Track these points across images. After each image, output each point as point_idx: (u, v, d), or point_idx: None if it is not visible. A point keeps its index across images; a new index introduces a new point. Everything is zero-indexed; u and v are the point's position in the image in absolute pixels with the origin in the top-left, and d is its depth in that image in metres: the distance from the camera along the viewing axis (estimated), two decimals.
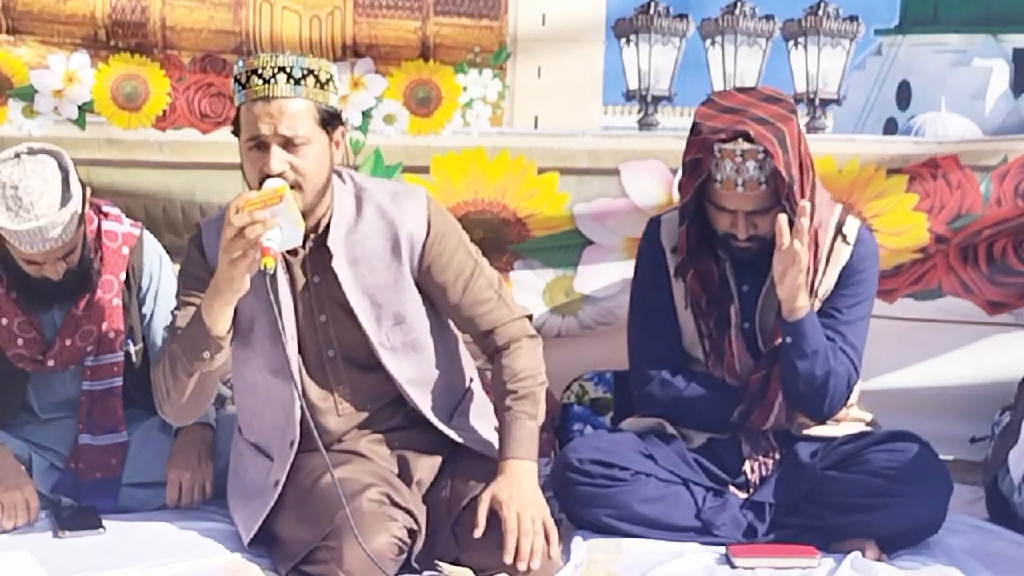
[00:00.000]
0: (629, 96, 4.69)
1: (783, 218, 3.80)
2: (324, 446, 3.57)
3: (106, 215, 4.16)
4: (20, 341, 4.07)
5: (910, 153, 4.67)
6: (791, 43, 4.66)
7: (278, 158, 3.53)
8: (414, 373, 3.79)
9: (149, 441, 4.17)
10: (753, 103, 3.92)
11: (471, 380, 4.00)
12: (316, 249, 3.71)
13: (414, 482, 3.75)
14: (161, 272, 4.23)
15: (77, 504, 4.02)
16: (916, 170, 4.67)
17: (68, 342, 4.10)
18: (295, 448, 3.73)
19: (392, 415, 3.82)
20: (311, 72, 3.58)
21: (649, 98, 4.68)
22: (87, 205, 3.99)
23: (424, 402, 3.80)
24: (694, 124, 3.93)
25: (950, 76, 4.68)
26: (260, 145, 3.55)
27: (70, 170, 3.91)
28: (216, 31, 4.60)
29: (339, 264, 3.69)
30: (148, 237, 4.24)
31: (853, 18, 4.65)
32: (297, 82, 3.55)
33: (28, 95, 4.57)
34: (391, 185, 3.96)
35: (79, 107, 4.59)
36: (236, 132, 3.65)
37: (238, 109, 3.60)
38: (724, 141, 3.81)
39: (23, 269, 3.98)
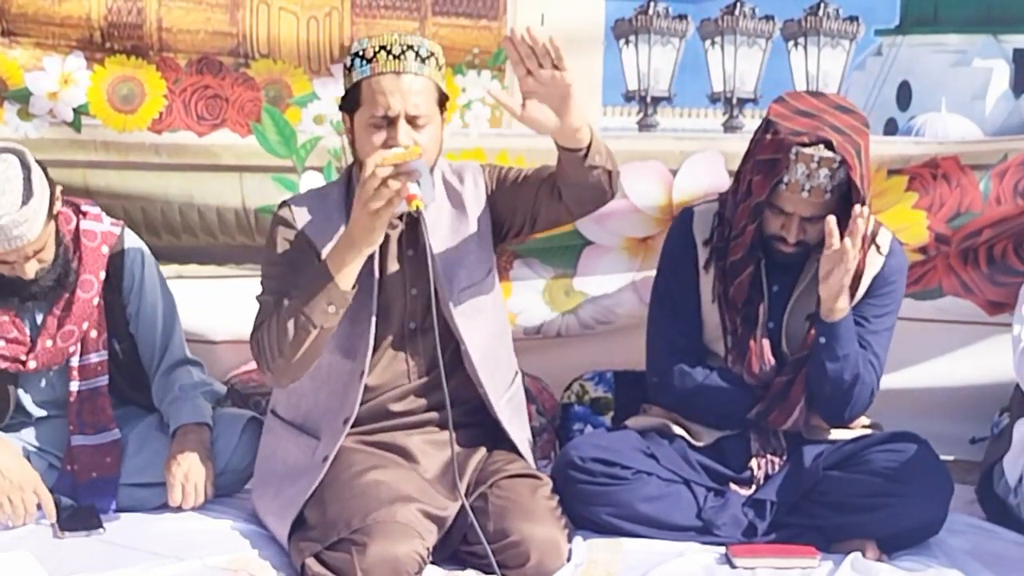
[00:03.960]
0: (628, 97, 4.70)
1: (832, 219, 3.79)
2: (382, 423, 3.85)
3: (85, 214, 4.15)
4: (1, 342, 4.06)
5: (910, 153, 4.68)
6: (791, 43, 4.66)
7: (405, 132, 3.65)
8: (480, 341, 3.87)
9: (147, 440, 4.16)
10: (827, 110, 3.91)
11: (517, 373, 4.11)
12: (411, 223, 3.78)
13: (461, 483, 3.77)
14: (144, 270, 4.23)
15: (77, 504, 4.01)
16: (916, 171, 4.68)
17: (49, 343, 4.09)
18: (348, 426, 3.79)
19: (452, 398, 3.83)
20: (432, 54, 3.73)
21: (648, 99, 4.69)
22: (56, 203, 3.98)
23: (484, 372, 3.88)
24: (769, 122, 3.90)
25: (950, 76, 4.68)
26: (388, 120, 3.66)
27: (33, 168, 3.90)
28: (213, 32, 4.59)
29: (431, 234, 3.75)
30: (129, 235, 4.24)
31: (853, 18, 4.66)
32: (423, 61, 3.70)
33: (24, 97, 4.55)
34: (448, 161, 4.03)
35: (74, 109, 4.56)
36: (346, 107, 3.77)
37: (356, 84, 3.70)
38: (804, 145, 3.80)
39: None
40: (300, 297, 3.60)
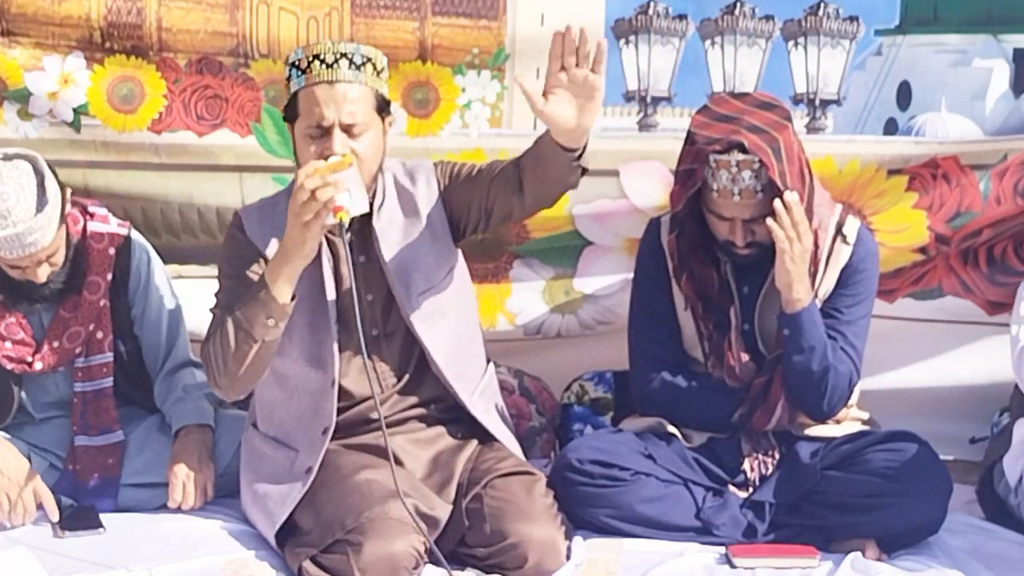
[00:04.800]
0: (628, 97, 4.69)
1: (771, 222, 3.79)
2: (360, 429, 3.84)
3: (92, 215, 4.17)
4: (8, 344, 4.06)
5: (911, 153, 4.68)
6: (791, 43, 4.66)
7: (340, 141, 3.63)
8: (444, 342, 3.87)
9: (149, 441, 4.17)
10: (748, 110, 3.91)
11: (489, 362, 4.11)
12: (362, 229, 3.78)
13: (450, 484, 3.78)
14: (150, 271, 4.24)
15: (77, 504, 4.02)
16: (916, 171, 4.68)
17: (56, 344, 4.10)
18: (328, 436, 3.78)
19: (428, 398, 3.90)
20: (369, 60, 3.71)
21: (648, 99, 4.68)
22: (67, 206, 3.99)
23: (451, 373, 3.88)
24: (689, 133, 3.92)
25: (950, 76, 4.68)
26: (323, 130, 3.65)
27: (46, 174, 3.90)
28: (212, 32, 4.59)
29: (381, 240, 3.78)
30: (135, 236, 4.24)
31: (853, 18, 4.66)
32: (358, 68, 3.68)
33: (23, 97, 4.55)
34: (401, 162, 4.00)
35: (74, 109, 4.56)
36: (288, 118, 3.77)
37: (295, 94, 3.71)
38: (719, 152, 3.81)
39: (7, 272, 3.98)
40: (241, 310, 3.61)
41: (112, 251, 4.16)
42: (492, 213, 3.85)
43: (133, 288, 4.21)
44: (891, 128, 4.72)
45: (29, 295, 4.03)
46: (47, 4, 4.48)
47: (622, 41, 4.64)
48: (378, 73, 3.72)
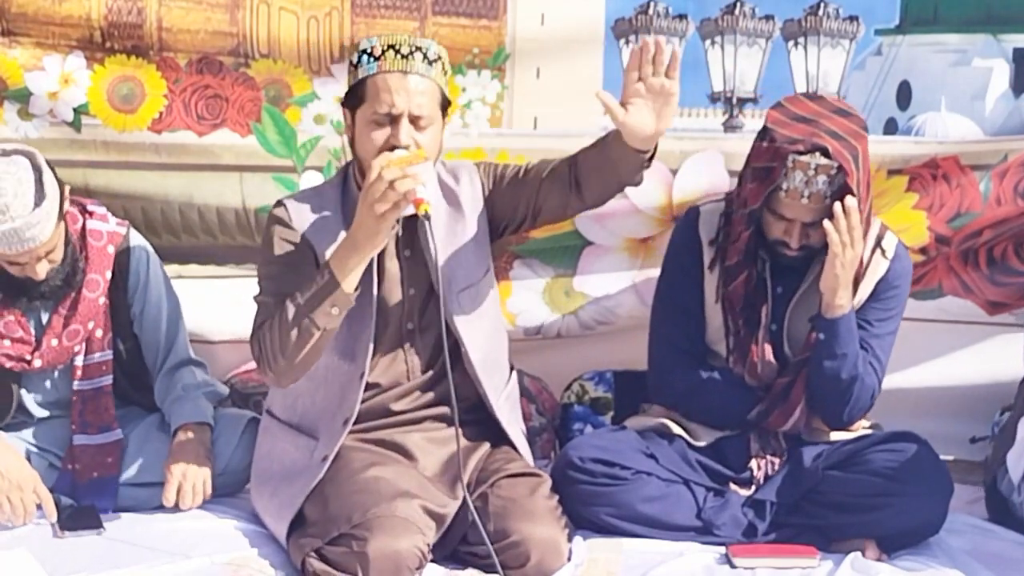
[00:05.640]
0: None
1: (830, 225, 3.78)
2: (381, 420, 3.87)
3: (91, 214, 4.17)
4: (7, 341, 4.06)
5: (911, 154, 4.68)
6: (791, 43, 4.66)
7: (407, 131, 3.66)
8: (482, 341, 3.90)
9: (148, 440, 4.16)
10: (825, 114, 3.90)
11: (512, 370, 4.13)
12: (408, 224, 3.80)
13: (461, 483, 3.77)
14: (149, 270, 4.24)
15: (77, 504, 4.01)
16: (916, 171, 4.67)
17: (55, 342, 4.10)
18: (348, 426, 3.80)
19: (449, 398, 3.86)
20: (440, 58, 3.74)
21: None
22: (65, 203, 3.99)
23: (483, 373, 3.90)
24: (765, 129, 3.90)
25: (950, 76, 4.68)
26: (391, 119, 3.67)
27: (44, 169, 3.90)
28: (213, 32, 4.58)
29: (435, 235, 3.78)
30: (134, 235, 4.25)
31: (853, 18, 4.65)
32: (431, 63, 3.72)
33: (24, 97, 4.54)
34: (442, 160, 4.01)
35: (74, 109, 4.55)
36: (349, 104, 3.78)
37: (362, 80, 3.71)
38: (800, 153, 3.80)
39: (6, 269, 3.98)
40: (303, 299, 3.61)
41: (111, 249, 4.16)
42: (540, 212, 3.90)
43: (132, 286, 4.21)
44: (891, 128, 4.71)
45: (28, 292, 4.03)
46: (47, 4, 4.48)
47: (622, 41, 4.64)
48: (444, 72, 3.77)
